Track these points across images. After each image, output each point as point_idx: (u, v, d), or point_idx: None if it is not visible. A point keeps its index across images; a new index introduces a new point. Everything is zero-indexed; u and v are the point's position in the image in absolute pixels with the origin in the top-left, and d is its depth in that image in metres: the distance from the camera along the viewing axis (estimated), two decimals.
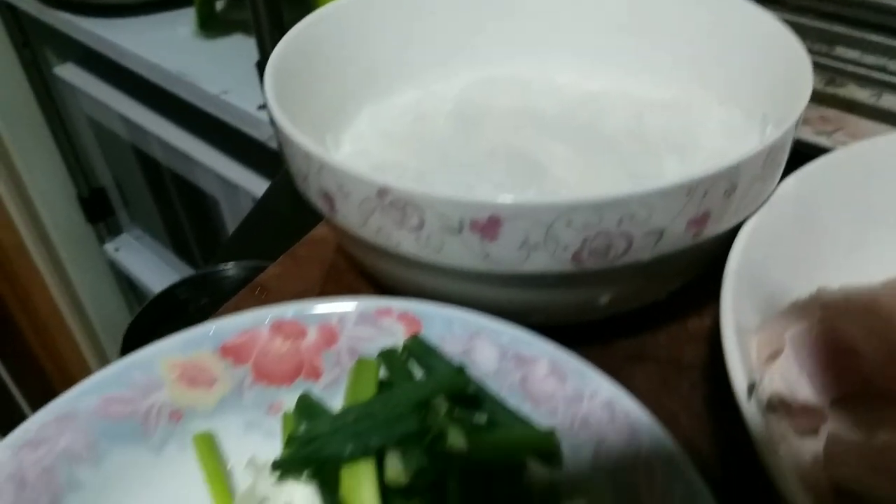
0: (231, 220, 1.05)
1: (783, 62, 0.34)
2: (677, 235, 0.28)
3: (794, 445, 0.27)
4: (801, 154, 0.33)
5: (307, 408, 0.29)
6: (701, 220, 0.28)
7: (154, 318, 0.46)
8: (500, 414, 0.28)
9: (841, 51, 0.48)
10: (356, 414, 0.26)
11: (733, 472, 0.30)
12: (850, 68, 0.47)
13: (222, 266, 0.46)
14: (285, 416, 0.29)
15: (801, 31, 0.35)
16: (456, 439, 0.25)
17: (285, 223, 0.54)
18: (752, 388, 0.24)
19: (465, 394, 0.27)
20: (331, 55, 0.39)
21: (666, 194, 0.26)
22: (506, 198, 0.26)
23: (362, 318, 0.30)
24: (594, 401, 0.26)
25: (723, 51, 0.39)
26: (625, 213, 0.26)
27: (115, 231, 1.46)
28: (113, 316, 1.55)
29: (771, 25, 0.36)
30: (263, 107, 0.80)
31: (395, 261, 0.31)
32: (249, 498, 0.27)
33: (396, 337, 0.30)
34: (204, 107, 0.87)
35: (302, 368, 0.30)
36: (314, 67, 0.38)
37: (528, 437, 0.27)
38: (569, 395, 0.27)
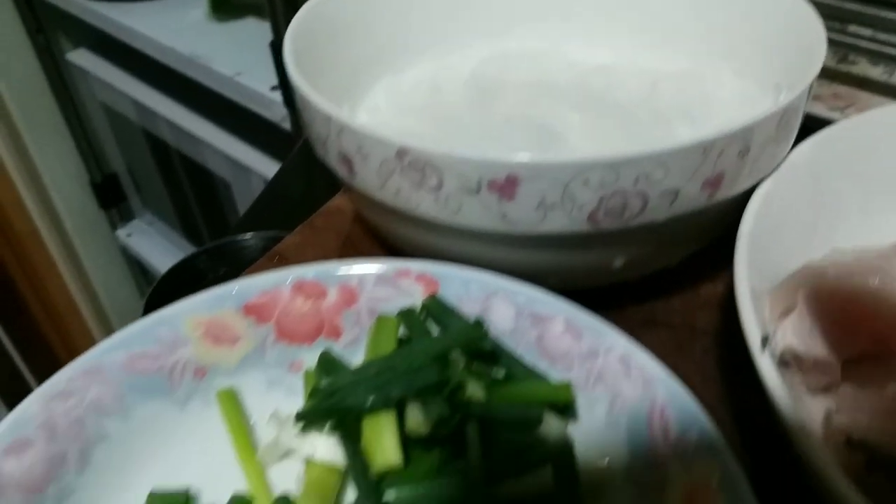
0: (242, 205, 1.06)
1: (796, 32, 0.35)
2: (692, 196, 0.28)
3: (806, 403, 0.28)
4: (814, 131, 0.33)
5: (328, 364, 0.29)
6: (715, 181, 0.28)
7: (173, 288, 0.46)
8: (517, 369, 0.28)
9: (854, 28, 0.48)
10: (377, 367, 0.26)
11: (747, 435, 0.30)
12: (863, 45, 0.47)
13: (241, 236, 0.46)
14: (307, 374, 0.30)
15: (815, 9, 0.36)
16: (475, 390, 0.26)
17: (296, 204, 0.54)
18: (765, 340, 0.24)
19: (483, 349, 0.28)
20: (346, 27, 0.40)
21: (681, 153, 0.27)
22: (523, 156, 0.27)
23: (381, 279, 0.31)
24: (609, 356, 0.27)
25: (736, 22, 0.39)
26: (641, 172, 0.27)
27: (127, 217, 1.47)
28: (125, 301, 1.56)
29: None
30: (276, 87, 0.80)
31: (413, 224, 0.31)
32: (273, 449, 0.27)
33: (415, 297, 0.30)
34: (217, 89, 0.88)
35: (323, 328, 0.31)
36: (331, 39, 0.38)
37: (544, 390, 0.27)
38: (584, 352, 0.28)
